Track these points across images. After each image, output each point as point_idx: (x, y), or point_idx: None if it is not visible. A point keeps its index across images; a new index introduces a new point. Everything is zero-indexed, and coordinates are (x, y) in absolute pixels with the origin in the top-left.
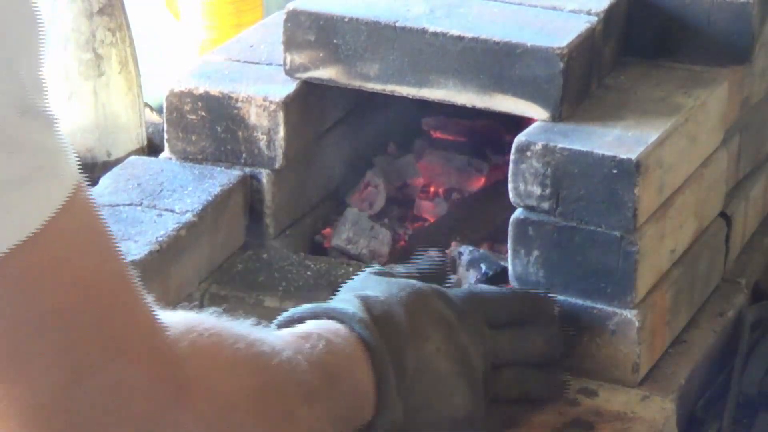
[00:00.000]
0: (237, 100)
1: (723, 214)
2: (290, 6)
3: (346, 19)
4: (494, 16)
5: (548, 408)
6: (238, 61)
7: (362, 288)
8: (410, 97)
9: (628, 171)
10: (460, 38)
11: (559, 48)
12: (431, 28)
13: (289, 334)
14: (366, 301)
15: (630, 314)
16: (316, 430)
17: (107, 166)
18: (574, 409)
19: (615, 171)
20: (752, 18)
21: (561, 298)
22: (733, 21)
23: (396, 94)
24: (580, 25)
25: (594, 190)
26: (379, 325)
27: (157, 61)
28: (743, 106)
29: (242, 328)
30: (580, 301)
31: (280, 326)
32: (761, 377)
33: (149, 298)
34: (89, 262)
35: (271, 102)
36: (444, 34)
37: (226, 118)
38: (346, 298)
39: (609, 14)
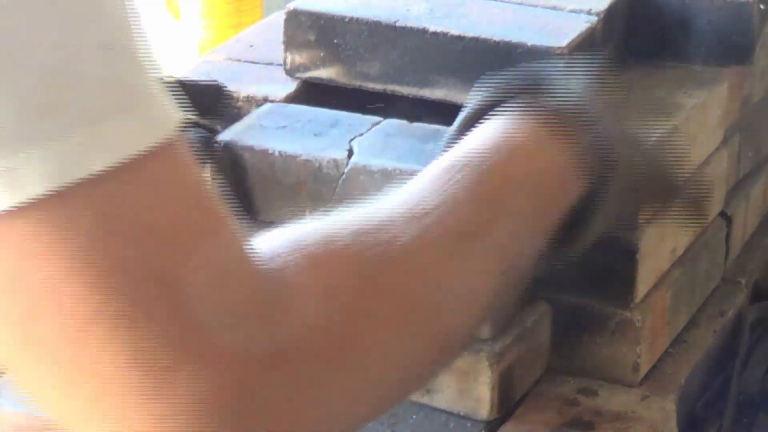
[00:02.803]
0: (237, 100)
1: (723, 214)
2: (290, 6)
3: (346, 19)
4: (494, 16)
5: (548, 407)
6: (238, 60)
7: None
8: (410, 96)
9: None
10: (461, 38)
11: (559, 48)
12: (432, 28)
13: (432, 176)
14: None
15: (630, 314)
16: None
17: None
18: (574, 409)
19: None
20: (752, 18)
21: (561, 298)
22: (733, 21)
23: (396, 93)
24: (581, 24)
25: None
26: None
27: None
28: (743, 106)
29: (357, 218)
30: (579, 302)
31: (462, 127)
32: (761, 377)
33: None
34: (170, 211)
35: (271, 102)
36: (444, 34)
37: (226, 118)
38: None
39: (609, 14)
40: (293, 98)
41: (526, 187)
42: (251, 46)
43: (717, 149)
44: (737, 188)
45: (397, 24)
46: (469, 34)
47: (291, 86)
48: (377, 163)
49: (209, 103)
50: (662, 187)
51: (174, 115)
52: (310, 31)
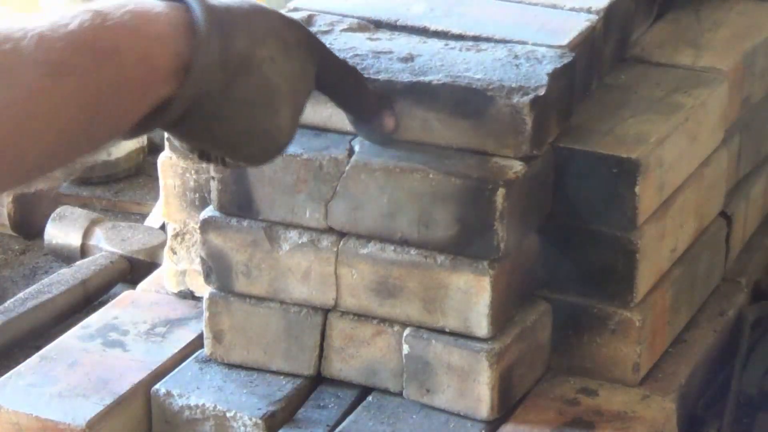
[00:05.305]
0: None
1: (723, 214)
2: (290, 5)
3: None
4: (495, 15)
5: (548, 407)
6: None
7: None
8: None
9: (629, 170)
10: (461, 37)
11: (560, 46)
12: (432, 27)
13: (64, 14)
14: None
15: (630, 314)
16: (60, 103)
17: (107, 165)
18: (575, 409)
19: (615, 170)
20: None
21: (561, 297)
22: None
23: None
24: (581, 23)
25: (594, 189)
26: (212, 8)
27: None
28: (743, 106)
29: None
30: (580, 301)
31: None
32: (761, 377)
33: None
34: None
35: None
36: (445, 33)
37: None
38: None
39: (609, 13)
40: None
41: (120, 62)
42: None
43: (717, 149)
44: (737, 188)
45: (398, 23)
46: (470, 32)
47: None
48: (378, 161)
49: None
50: None
51: None
52: None
